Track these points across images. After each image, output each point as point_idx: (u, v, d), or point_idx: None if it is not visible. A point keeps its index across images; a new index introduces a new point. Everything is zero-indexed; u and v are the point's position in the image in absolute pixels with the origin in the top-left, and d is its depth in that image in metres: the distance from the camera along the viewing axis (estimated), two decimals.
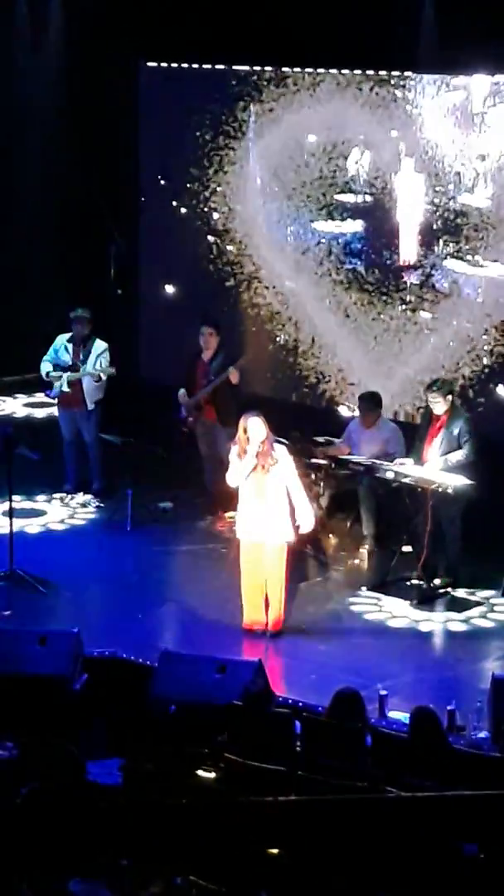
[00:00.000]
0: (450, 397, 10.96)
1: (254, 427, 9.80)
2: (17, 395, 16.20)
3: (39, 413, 15.57)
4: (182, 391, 12.44)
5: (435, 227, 12.39)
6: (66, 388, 12.58)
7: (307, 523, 10.05)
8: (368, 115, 12.69)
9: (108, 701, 8.64)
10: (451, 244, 12.31)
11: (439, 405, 10.92)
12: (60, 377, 12.52)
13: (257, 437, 9.80)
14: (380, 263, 12.80)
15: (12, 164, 15.79)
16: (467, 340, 12.31)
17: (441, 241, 12.37)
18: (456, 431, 10.89)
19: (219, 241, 14.00)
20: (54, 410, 15.36)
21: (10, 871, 5.36)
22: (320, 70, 13.00)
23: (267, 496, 9.91)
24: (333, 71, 12.89)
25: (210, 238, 14.06)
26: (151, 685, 8.44)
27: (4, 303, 16.25)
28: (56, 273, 15.61)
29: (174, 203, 14.29)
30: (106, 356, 12.54)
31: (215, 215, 13.98)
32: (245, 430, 9.83)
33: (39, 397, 15.91)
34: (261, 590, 10.05)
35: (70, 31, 15.35)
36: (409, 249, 12.59)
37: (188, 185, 14.14)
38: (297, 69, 13.16)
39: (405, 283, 12.65)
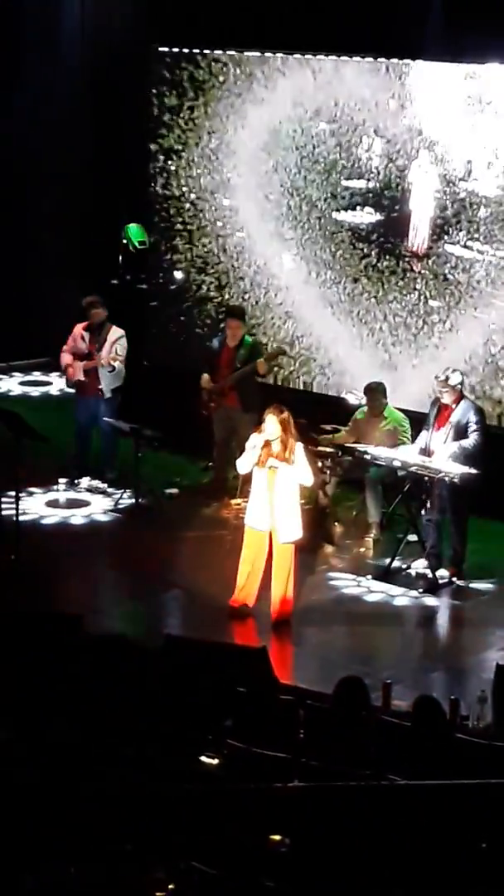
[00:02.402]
0: (458, 387, 10.95)
1: (267, 423, 9.95)
2: (14, 374, 16.28)
3: (35, 392, 15.66)
4: (206, 376, 12.49)
5: (447, 215, 12.35)
6: (81, 377, 12.58)
7: (288, 534, 10.03)
8: (380, 103, 12.64)
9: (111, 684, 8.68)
10: (462, 232, 12.27)
11: (447, 394, 10.92)
12: (77, 365, 12.54)
13: (267, 433, 9.90)
14: (391, 251, 12.77)
15: (29, 150, 15.81)
16: (480, 329, 12.28)
17: (453, 229, 12.33)
18: (464, 421, 10.89)
19: (228, 229, 13.97)
20: (50, 390, 15.52)
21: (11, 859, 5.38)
22: (332, 56, 12.95)
23: (276, 492, 9.96)
24: (345, 57, 12.84)
25: (219, 225, 14.03)
26: (155, 669, 8.45)
27: (21, 288, 16.30)
28: (72, 259, 15.64)
29: (184, 190, 14.25)
30: (122, 344, 12.53)
31: (224, 202, 13.95)
32: (262, 422, 10.01)
33: (35, 375, 16.08)
34: (256, 577, 10.11)
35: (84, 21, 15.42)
36: (420, 238, 12.55)
37: (197, 172, 14.10)
38: (309, 55, 13.11)
39: (417, 271, 12.62)
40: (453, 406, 10.92)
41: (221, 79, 13.80)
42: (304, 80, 13.17)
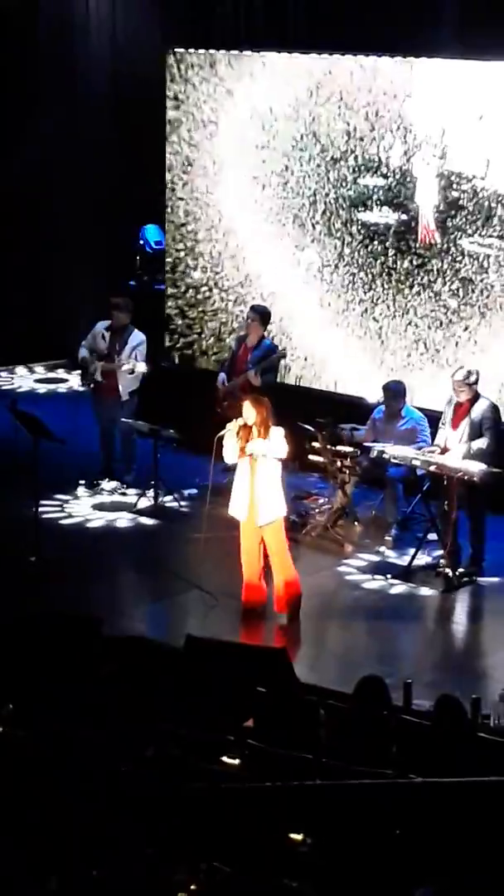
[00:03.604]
0: (473, 385, 10.95)
1: (244, 408, 10.07)
2: (34, 370, 16.39)
3: (41, 388, 15.75)
4: (222, 376, 12.52)
5: (460, 212, 12.33)
6: (99, 378, 12.58)
7: (265, 516, 10.05)
8: (392, 100, 12.63)
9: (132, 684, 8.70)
10: (472, 228, 12.26)
11: (463, 393, 10.92)
12: (94, 365, 12.54)
13: (245, 417, 10.00)
14: (405, 250, 12.75)
15: (50, 155, 15.90)
16: (495, 327, 12.26)
17: (465, 227, 12.31)
18: (479, 419, 10.88)
19: (246, 228, 13.97)
20: (59, 387, 15.56)
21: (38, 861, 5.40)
22: (348, 55, 12.94)
23: (257, 478, 10.01)
24: (360, 56, 12.83)
25: (235, 226, 14.03)
26: (176, 670, 8.46)
27: (40, 289, 16.38)
28: (96, 262, 15.71)
29: (202, 191, 14.26)
30: (142, 349, 12.51)
31: (238, 202, 13.95)
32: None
33: (40, 372, 16.19)
34: (253, 568, 10.16)
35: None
36: (434, 235, 12.52)
37: (214, 173, 14.11)
38: (325, 54, 13.10)
39: (430, 269, 12.60)
40: (468, 404, 10.93)
41: (235, 79, 13.80)
42: (316, 79, 13.17)
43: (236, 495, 10.15)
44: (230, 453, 10.09)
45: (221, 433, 10.17)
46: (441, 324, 12.60)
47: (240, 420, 10.06)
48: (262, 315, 12.51)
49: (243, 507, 10.10)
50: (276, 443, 10.02)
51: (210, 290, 14.29)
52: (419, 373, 12.69)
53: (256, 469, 10.03)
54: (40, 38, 16.10)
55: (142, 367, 12.37)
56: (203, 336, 14.35)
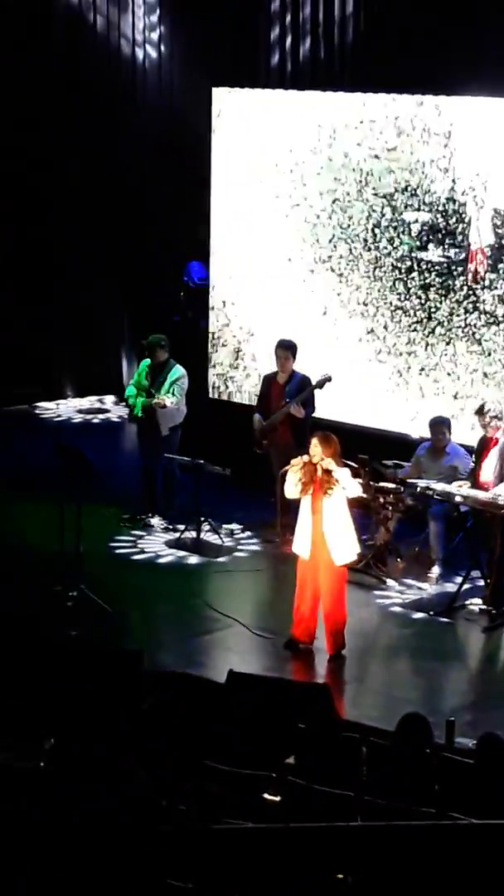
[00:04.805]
0: (498, 420, 11.03)
1: (312, 444, 10.00)
2: (74, 402, 16.56)
3: (78, 418, 15.90)
4: (257, 416, 12.51)
5: None
6: (140, 413, 12.62)
7: (342, 556, 10.04)
8: (439, 137, 12.65)
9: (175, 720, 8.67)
10: None
11: (490, 428, 11.04)
12: (136, 402, 12.60)
13: (312, 454, 9.94)
14: (452, 286, 12.73)
15: (92, 190, 16.07)
16: None
17: None
18: None
19: (285, 266, 13.99)
20: (98, 417, 15.75)
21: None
22: (393, 95, 12.98)
23: (322, 517, 9.95)
24: (404, 94, 12.87)
25: (275, 262, 14.06)
26: (219, 706, 8.44)
27: (86, 325, 16.52)
28: (139, 297, 15.85)
29: (241, 228, 14.31)
30: (181, 384, 12.53)
31: (280, 239, 13.99)
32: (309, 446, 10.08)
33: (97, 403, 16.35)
34: (307, 606, 10.12)
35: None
36: (482, 270, 12.49)
37: (253, 209, 14.16)
38: (359, 92, 13.16)
39: (478, 305, 12.57)
40: (497, 439, 10.99)
41: (275, 118, 13.86)
42: (357, 117, 13.21)
43: (300, 533, 10.11)
44: (291, 489, 10.07)
45: (286, 468, 10.15)
46: (489, 358, 12.57)
47: (305, 456, 10.03)
48: (292, 349, 12.48)
49: (306, 545, 10.05)
50: (349, 484, 10.00)
51: (249, 325, 14.30)
52: (465, 408, 12.66)
53: (322, 508, 9.98)
54: (85, 77, 16.24)
55: (170, 401, 12.37)
56: (245, 371, 14.36)
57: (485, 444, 11.14)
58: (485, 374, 12.56)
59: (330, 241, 13.59)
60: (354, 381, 13.44)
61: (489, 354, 12.52)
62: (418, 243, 12.94)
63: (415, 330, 13.04)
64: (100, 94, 16.17)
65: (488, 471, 10.97)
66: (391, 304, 13.21)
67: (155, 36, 16.04)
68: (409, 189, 12.93)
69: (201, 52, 15.20)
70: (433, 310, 12.90)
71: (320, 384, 12.52)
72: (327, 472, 9.88)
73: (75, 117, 16.12)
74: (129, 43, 16.12)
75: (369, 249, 13.31)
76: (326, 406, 12.75)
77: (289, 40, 14.35)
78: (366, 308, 13.40)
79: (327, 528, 9.94)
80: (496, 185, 12.30)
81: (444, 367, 12.85)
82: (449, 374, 12.81)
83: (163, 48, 15.97)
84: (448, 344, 12.78)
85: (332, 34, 13.88)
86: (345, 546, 10.01)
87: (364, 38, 13.60)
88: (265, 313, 14.16)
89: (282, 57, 14.34)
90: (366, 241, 13.32)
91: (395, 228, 13.11)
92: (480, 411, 11.20)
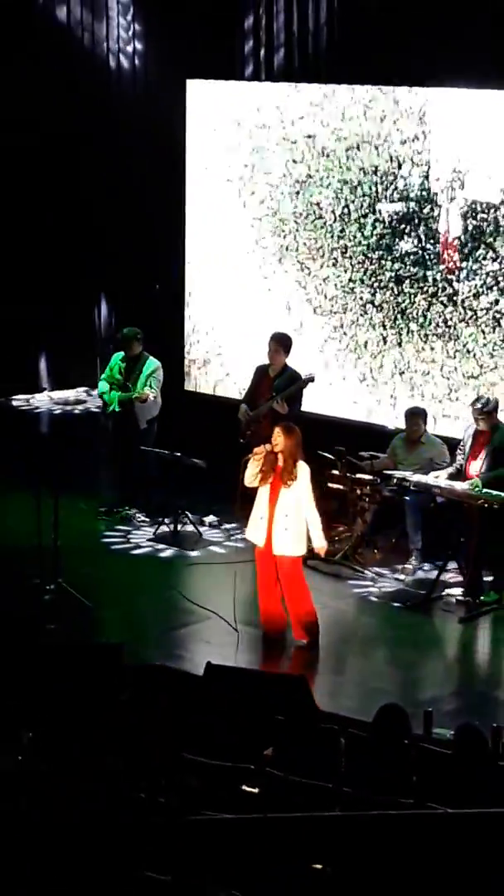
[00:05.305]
0: (493, 413, 10.96)
1: (275, 433, 10.03)
2: (47, 393, 16.56)
3: (58, 409, 15.91)
4: (244, 407, 12.49)
5: (479, 237, 12.35)
6: (117, 408, 12.60)
7: (318, 542, 10.12)
8: (412, 127, 12.67)
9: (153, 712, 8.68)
10: (492, 253, 12.29)
11: (483, 421, 10.93)
12: (111, 397, 12.57)
13: (274, 443, 9.97)
14: (426, 276, 12.76)
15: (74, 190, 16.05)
16: None
17: (486, 251, 12.33)
18: (500, 447, 10.88)
19: (266, 262, 14.01)
20: (77, 409, 15.66)
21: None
22: (367, 86, 12.99)
23: (278, 508, 9.97)
24: (380, 86, 12.88)
25: (257, 257, 14.07)
26: (197, 698, 8.45)
27: (67, 318, 16.51)
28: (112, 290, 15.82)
29: (219, 221, 14.31)
30: (156, 377, 12.52)
31: (260, 234, 14.00)
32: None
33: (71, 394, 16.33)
34: (269, 595, 10.17)
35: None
36: (455, 260, 12.53)
37: (233, 204, 14.16)
38: (345, 85, 13.18)
39: (451, 294, 12.60)
40: (489, 433, 10.94)
41: (252, 110, 13.85)
42: (338, 111, 13.22)
43: (254, 521, 10.14)
44: (250, 477, 10.08)
45: (247, 456, 10.18)
46: (462, 348, 12.60)
47: (267, 445, 10.04)
48: (284, 343, 12.40)
49: (261, 534, 10.09)
50: (300, 478, 10.00)
51: (232, 317, 14.31)
52: (440, 398, 12.69)
53: (279, 501, 10.00)
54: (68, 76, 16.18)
55: (151, 394, 12.37)
56: (226, 363, 14.37)
57: (476, 438, 11.10)
58: (463, 374, 12.61)
59: (297, 228, 13.61)
60: (331, 372, 13.48)
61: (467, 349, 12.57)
62: (395, 234, 12.97)
63: (393, 322, 13.07)
64: (78, 90, 16.11)
65: (477, 466, 10.94)
66: (363, 298, 13.24)
67: (129, 35, 15.98)
68: (391, 179, 12.95)
69: (175, 46, 15.15)
70: (407, 304, 12.93)
71: (304, 383, 12.52)
72: (289, 462, 9.90)
73: (54, 114, 16.03)
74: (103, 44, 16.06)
75: (342, 239, 13.34)
76: (308, 400, 12.79)
77: (262, 34, 14.30)
78: (337, 302, 13.43)
79: (278, 517, 9.97)
80: (471, 177, 12.33)
81: (417, 367, 12.89)
82: (424, 375, 12.85)
83: (137, 44, 15.89)
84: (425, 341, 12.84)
85: (307, 26, 13.85)
86: (290, 538, 10.00)
87: (339, 30, 13.57)
88: (237, 303, 14.18)
89: (255, 49, 14.30)
90: (342, 231, 13.35)
91: (368, 218, 13.14)
92: (474, 402, 11.09)
